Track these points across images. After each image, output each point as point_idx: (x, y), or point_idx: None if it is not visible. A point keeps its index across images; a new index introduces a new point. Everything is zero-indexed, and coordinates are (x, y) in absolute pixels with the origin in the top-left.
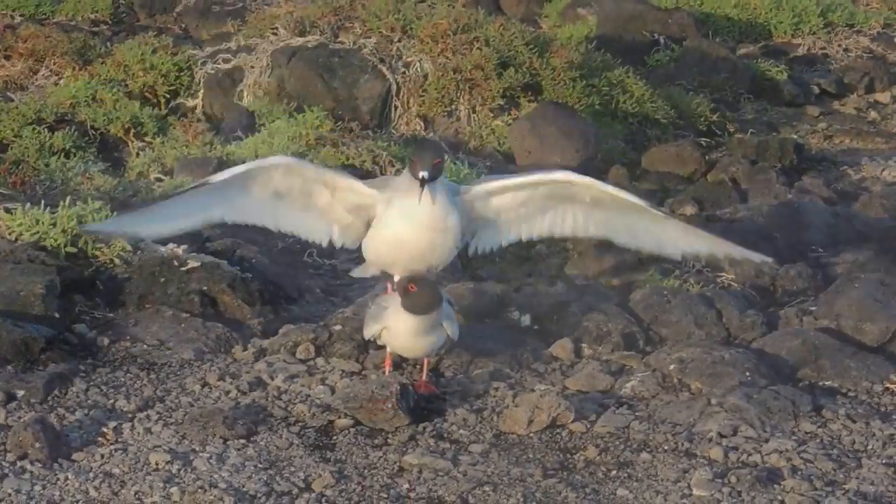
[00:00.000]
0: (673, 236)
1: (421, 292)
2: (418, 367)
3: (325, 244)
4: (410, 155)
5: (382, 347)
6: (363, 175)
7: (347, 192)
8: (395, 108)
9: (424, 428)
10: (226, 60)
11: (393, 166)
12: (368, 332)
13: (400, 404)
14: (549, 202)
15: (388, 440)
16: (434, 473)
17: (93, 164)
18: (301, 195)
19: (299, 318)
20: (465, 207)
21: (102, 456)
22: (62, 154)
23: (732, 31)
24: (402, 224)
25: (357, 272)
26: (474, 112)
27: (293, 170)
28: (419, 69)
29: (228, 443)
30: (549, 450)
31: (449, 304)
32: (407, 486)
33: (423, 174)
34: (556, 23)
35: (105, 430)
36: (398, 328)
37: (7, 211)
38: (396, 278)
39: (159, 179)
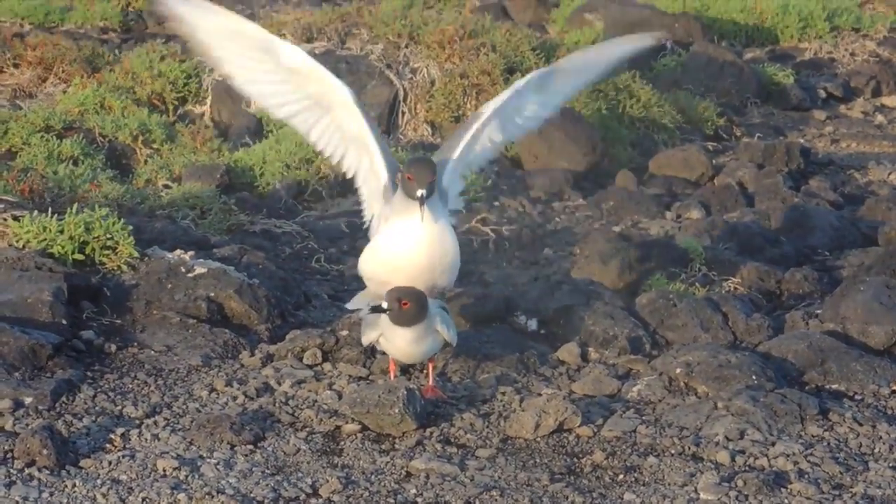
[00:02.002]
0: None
1: (404, 304)
2: (425, 371)
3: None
4: (404, 172)
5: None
6: None
7: (374, 178)
8: (403, 113)
9: (431, 433)
10: None
11: (400, 172)
12: (366, 340)
13: (407, 409)
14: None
15: (396, 445)
16: (441, 478)
17: (101, 171)
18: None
19: (306, 324)
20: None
21: (110, 462)
22: (70, 161)
23: (739, 35)
24: (400, 245)
25: (353, 304)
26: None
27: (348, 107)
28: (426, 75)
29: (236, 448)
30: (556, 454)
31: (444, 311)
32: (414, 491)
33: (421, 192)
34: (563, 28)
35: (113, 436)
36: (393, 336)
37: (15, 218)
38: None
39: (167, 186)
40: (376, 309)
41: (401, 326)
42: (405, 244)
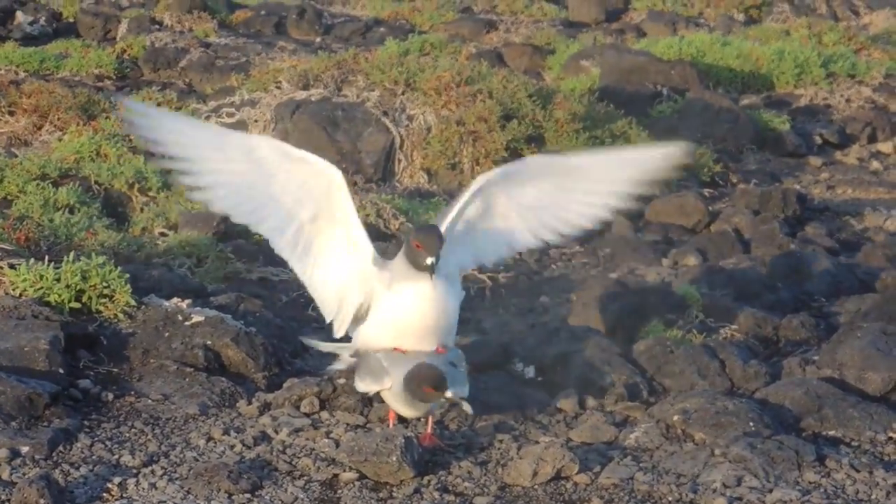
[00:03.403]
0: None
1: (425, 386)
2: (423, 420)
3: (329, 316)
4: (411, 239)
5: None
6: (366, 229)
7: (359, 254)
8: (399, 161)
9: (429, 481)
10: (229, 114)
11: (397, 219)
12: (363, 388)
13: (405, 457)
14: (498, 213)
15: (393, 493)
16: None
17: (97, 219)
18: (326, 231)
19: (303, 372)
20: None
21: None
22: (66, 209)
23: (735, 82)
24: (406, 309)
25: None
26: (478, 164)
27: (335, 187)
28: (423, 122)
29: (233, 497)
30: (554, 502)
31: (453, 365)
32: None
33: (430, 260)
34: (559, 75)
35: (110, 485)
36: (397, 394)
37: (11, 267)
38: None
39: (164, 234)
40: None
41: (419, 401)
42: (411, 308)
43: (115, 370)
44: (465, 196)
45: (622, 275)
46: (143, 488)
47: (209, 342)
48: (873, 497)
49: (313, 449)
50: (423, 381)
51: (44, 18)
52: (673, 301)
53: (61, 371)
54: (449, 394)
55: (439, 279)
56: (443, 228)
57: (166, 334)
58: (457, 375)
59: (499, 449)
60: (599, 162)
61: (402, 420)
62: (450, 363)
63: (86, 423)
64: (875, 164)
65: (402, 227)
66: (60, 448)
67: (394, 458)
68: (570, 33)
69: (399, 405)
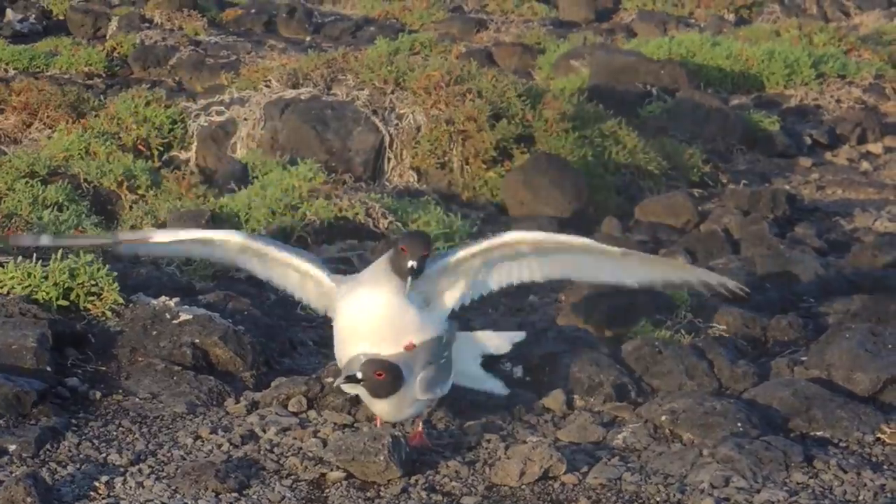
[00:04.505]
0: (631, 269)
1: (378, 378)
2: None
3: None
4: (399, 243)
5: None
6: (355, 228)
7: (309, 278)
8: (389, 159)
9: (416, 480)
10: (219, 113)
11: (386, 218)
12: (345, 388)
13: (392, 457)
14: (507, 258)
15: (381, 493)
16: None
17: (85, 217)
18: (270, 265)
19: (292, 371)
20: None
21: None
22: (55, 207)
23: (725, 82)
24: (355, 315)
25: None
26: (467, 164)
27: (247, 247)
28: (412, 121)
29: (221, 496)
30: (541, 502)
31: (431, 364)
32: None
33: (412, 264)
34: (549, 74)
35: (97, 484)
36: (371, 402)
37: None
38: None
39: None
40: (350, 379)
41: (377, 398)
42: (361, 313)
43: (103, 368)
44: (496, 241)
45: None
46: (131, 487)
47: (197, 340)
48: (861, 498)
49: (301, 448)
50: (375, 366)
51: (34, 16)
52: (661, 301)
53: (49, 369)
54: (421, 395)
55: (410, 292)
56: (455, 257)
57: (154, 332)
58: (432, 374)
59: (486, 449)
60: (648, 264)
61: None
62: (427, 362)
63: (73, 421)
64: (865, 165)
65: (391, 225)
66: (48, 446)
67: (381, 458)
68: (560, 33)
69: (374, 407)
